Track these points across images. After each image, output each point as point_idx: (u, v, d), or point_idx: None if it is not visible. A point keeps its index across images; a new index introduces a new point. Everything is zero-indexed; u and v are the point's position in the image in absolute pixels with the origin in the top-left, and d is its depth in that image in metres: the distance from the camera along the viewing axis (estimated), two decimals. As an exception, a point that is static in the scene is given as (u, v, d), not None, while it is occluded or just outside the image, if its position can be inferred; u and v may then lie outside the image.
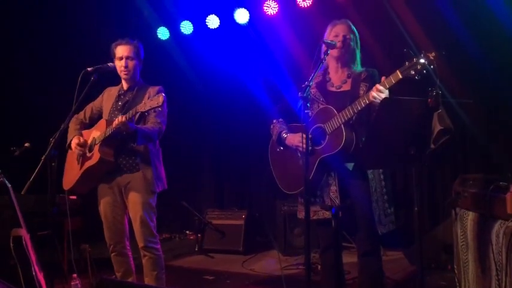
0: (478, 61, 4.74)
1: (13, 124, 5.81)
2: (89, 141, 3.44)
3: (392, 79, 2.68)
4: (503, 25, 4.54)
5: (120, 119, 3.17)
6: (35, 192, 3.16)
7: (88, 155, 3.40)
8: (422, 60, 2.53)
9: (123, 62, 3.44)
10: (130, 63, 3.45)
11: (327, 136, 2.88)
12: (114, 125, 3.19)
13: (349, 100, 2.89)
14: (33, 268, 3.26)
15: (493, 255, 2.61)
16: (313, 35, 5.03)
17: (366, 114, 2.85)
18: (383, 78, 2.72)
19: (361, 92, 2.94)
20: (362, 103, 2.76)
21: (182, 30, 6.53)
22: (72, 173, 3.50)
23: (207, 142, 6.98)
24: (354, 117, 2.81)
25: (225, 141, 6.81)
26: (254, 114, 5.99)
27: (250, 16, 6.10)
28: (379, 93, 2.68)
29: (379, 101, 2.65)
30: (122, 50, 3.46)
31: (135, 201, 3.37)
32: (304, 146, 2.63)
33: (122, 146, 3.35)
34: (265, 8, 6.00)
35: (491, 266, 2.65)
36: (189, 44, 6.54)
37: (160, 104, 3.00)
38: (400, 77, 2.64)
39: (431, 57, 2.52)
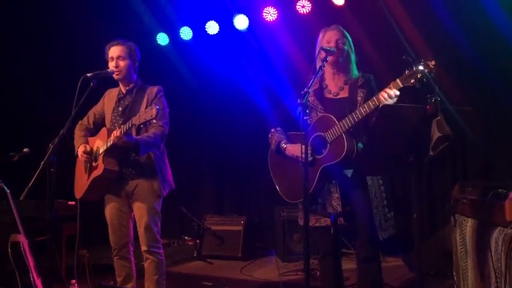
0: (477, 68, 4.76)
1: (12, 129, 5.80)
2: (94, 150, 3.44)
3: (393, 87, 2.70)
4: (502, 32, 4.56)
5: (115, 133, 3.18)
6: (33, 197, 3.15)
7: (94, 164, 3.40)
8: (421, 68, 2.56)
9: (113, 63, 3.43)
10: (122, 63, 3.43)
11: (328, 145, 2.87)
12: (111, 140, 3.21)
13: (348, 107, 2.90)
14: (31, 274, 3.26)
15: (492, 262, 2.60)
16: (312, 41, 4.98)
17: (363, 120, 2.85)
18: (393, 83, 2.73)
19: (359, 98, 2.96)
20: (363, 112, 2.77)
21: (182, 36, 6.55)
22: (81, 182, 3.51)
23: (206, 148, 6.98)
24: (354, 126, 2.81)
25: (224, 147, 6.82)
26: (253, 120, 6.00)
27: (249, 22, 6.13)
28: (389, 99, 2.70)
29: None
30: (112, 51, 3.45)
31: (140, 206, 3.38)
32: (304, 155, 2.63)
33: (125, 155, 3.36)
34: (264, 14, 6.02)
35: (490, 273, 2.65)
36: (188, 50, 6.56)
37: (154, 116, 3.00)
38: (401, 85, 2.68)
39: (431, 66, 2.55)
